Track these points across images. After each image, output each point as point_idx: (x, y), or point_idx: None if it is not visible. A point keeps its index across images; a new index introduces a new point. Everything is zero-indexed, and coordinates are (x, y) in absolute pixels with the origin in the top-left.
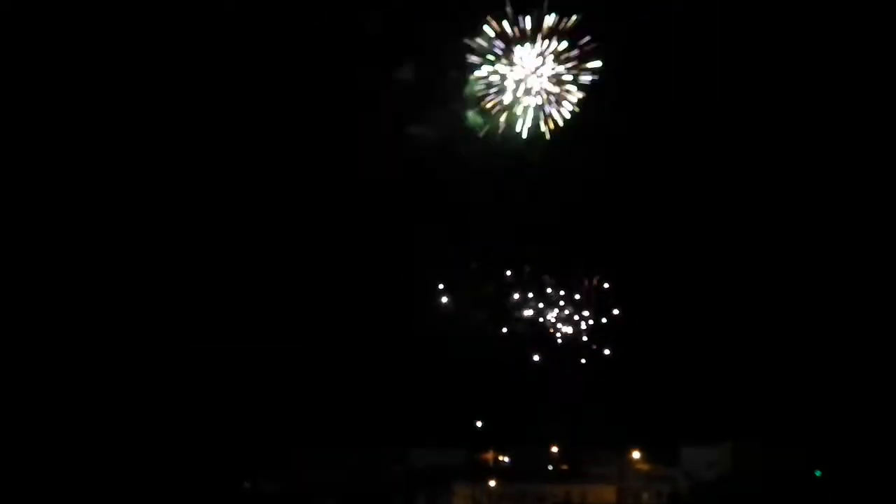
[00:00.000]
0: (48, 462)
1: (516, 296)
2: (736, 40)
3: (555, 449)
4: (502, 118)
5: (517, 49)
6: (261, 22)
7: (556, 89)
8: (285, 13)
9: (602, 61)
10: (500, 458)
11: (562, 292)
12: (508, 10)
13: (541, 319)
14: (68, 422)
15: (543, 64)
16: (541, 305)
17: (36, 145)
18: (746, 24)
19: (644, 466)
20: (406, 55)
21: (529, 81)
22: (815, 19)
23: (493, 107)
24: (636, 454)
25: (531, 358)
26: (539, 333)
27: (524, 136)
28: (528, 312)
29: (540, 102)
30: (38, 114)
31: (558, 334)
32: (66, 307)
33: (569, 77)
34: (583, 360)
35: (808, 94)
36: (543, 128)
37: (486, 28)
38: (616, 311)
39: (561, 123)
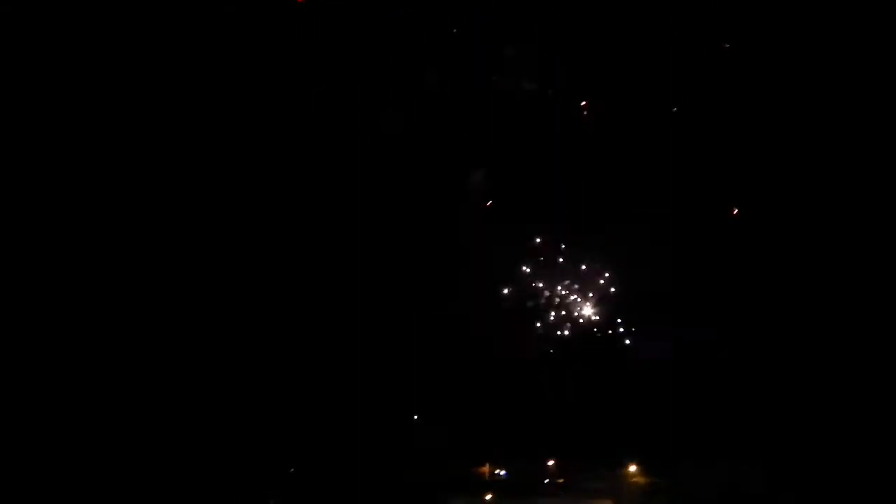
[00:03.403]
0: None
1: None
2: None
3: (551, 462)
4: None
5: None
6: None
7: None
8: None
9: None
10: (497, 471)
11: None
12: None
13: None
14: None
15: None
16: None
17: (35, 145)
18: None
19: (641, 480)
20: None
21: None
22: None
23: None
24: (633, 468)
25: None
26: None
27: None
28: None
29: None
30: (37, 113)
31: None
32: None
33: None
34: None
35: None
36: None
37: None
38: (619, 320)
39: None
